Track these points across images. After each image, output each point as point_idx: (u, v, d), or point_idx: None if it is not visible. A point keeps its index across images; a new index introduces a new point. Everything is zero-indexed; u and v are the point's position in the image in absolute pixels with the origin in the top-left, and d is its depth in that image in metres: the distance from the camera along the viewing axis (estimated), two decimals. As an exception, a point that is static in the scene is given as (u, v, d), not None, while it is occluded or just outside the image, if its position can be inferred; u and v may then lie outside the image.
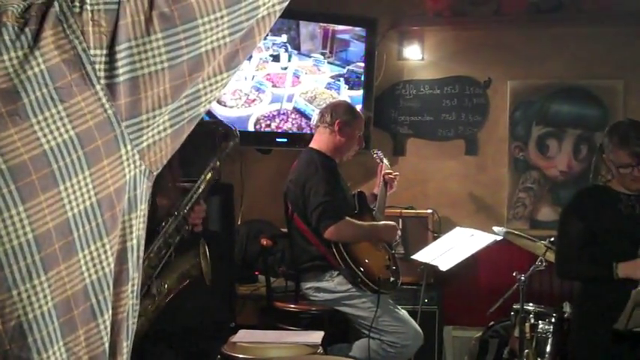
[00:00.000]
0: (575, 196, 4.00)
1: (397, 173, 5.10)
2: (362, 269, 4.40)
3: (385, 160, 5.12)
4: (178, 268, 3.38)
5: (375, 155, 5.17)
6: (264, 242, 4.87)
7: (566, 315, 4.45)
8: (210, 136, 4.30)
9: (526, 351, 4.46)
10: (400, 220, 5.54)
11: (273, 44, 5.62)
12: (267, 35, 5.55)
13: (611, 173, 3.81)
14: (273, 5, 1.05)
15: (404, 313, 4.61)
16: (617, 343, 3.57)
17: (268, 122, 5.64)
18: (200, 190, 3.38)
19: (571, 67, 6.02)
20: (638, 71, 5.87)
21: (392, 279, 4.56)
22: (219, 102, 5.45)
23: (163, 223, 3.25)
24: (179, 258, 3.38)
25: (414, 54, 6.24)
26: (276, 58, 5.63)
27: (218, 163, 3.47)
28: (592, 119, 6.01)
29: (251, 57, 5.52)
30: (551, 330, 4.53)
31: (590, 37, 5.92)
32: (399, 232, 4.93)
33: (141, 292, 3.21)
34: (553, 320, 4.54)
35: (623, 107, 5.93)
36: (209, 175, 3.43)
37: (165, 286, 3.35)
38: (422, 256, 5.23)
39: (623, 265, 3.61)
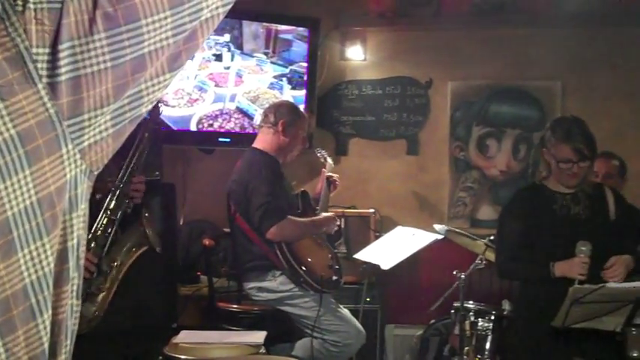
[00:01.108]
0: (513, 196, 4.06)
1: (337, 175, 5.11)
2: (304, 269, 4.41)
3: (329, 160, 5.13)
4: (126, 241, 3.38)
5: (318, 155, 5.18)
6: (207, 242, 4.85)
7: (505, 312, 4.51)
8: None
9: (466, 348, 4.52)
10: (342, 220, 5.58)
11: (216, 43, 5.59)
12: (210, 34, 5.55)
13: (549, 169, 3.85)
14: (217, 8, 1.05)
15: (346, 312, 4.63)
16: (555, 339, 3.63)
17: (211, 122, 5.61)
18: (134, 160, 3.36)
19: (510, 68, 6.12)
20: (576, 72, 5.99)
21: (334, 278, 4.57)
22: (161, 101, 5.40)
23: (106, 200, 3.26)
24: (125, 233, 3.39)
25: (356, 54, 6.27)
26: (218, 57, 5.61)
27: (146, 135, 3.42)
28: (531, 120, 6.12)
29: (194, 56, 5.49)
30: (490, 327, 4.59)
31: (529, 38, 6.02)
32: (338, 222, 4.93)
33: (94, 274, 3.21)
34: (492, 318, 4.60)
35: (561, 108, 6.05)
36: (141, 145, 3.40)
37: (116, 264, 3.35)
38: (364, 255, 5.26)
39: (559, 265, 3.68)
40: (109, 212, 3.30)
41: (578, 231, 3.73)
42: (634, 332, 4.33)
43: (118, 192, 3.30)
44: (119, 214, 3.31)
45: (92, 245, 3.27)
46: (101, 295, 3.33)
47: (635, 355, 4.39)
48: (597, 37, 5.91)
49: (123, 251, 3.39)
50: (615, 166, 5.20)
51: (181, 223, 5.69)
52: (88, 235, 3.24)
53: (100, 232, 3.28)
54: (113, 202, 3.30)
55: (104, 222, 3.30)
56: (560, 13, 5.82)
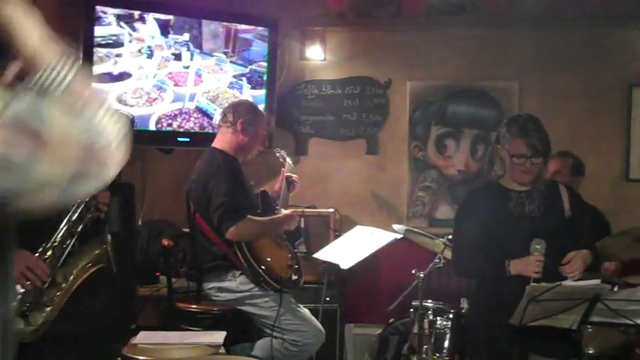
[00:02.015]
0: (468, 195, 4.09)
1: (296, 176, 5.11)
2: (264, 268, 4.41)
3: (288, 159, 5.13)
4: (84, 256, 3.34)
5: (277, 155, 5.18)
6: (166, 243, 4.83)
7: (463, 311, 4.55)
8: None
9: (425, 347, 4.55)
10: (302, 219, 5.58)
11: (175, 43, 5.57)
12: (169, 33, 5.53)
13: (504, 167, 3.88)
14: None
15: (306, 311, 4.64)
16: (512, 337, 3.66)
17: (170, 121, 5.59)
18: None
19: (468, 69, 6.17)
20: (533, 73, 6.06)
21: (294, 278, 4.58)
22: (119, 101, 5.37)
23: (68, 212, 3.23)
24: (84, 246, 3.34)
25: (316, 54, 6.28)
26: (178, 56, 5.59)
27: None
28: (488, 119, 6.17)
29: (153, 55, 5.48)
30: (449, 326, 4.63)
31: (487, 39, 6.08)
32: (298, 218, 4.93)
33: (46, 283, 3.17)
34: (451, 316, 4.64)
35: (519, 108, 6.11)
36: None
37: (72, 277, 3.32)
38: (323, 254, 5.27)
39: (514, 263, 3.71)
40: (70, 224, 3.27)
41: (533, 228, 3.76)
42: (590, 330, 4.41)
43: (82, 205, 3.27)
44: (80, 227, 3.27)
45: (48, 255, 3.24)
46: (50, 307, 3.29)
47: (591, 352, 4.47)
48: (554, 38, 5.99)
49: (80, 266, 3.34)
50: (567, 164, 5.26)
51: (140, 223, 5.65)
52: (46, 244, 3.22)
53: (57, 242, 3.25)
54: (76, 214, 3.27)
55: (64, 233, 3.27)
56: (518, 15, 5.89)
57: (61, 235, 3.26)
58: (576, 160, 5.31)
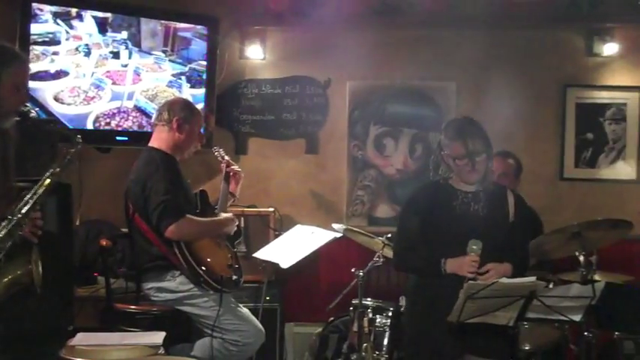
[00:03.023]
0: (413, 191, 4.10)
1: (238, 167, 5.08)
2: (204, 268, 4.39)
3: (227, 158, 5.11)
4: (8, 273, 3.24)
5: (216, 154, 5.16)
6: (104, 243, 4.77)
7: (402, 309, 4.58)
8: (47, 134, 4.19)
9: (364, 345, 4.59)
10: (242, 219, 5.58)
11: (114, 41, 5.51)
12: (108, 32, 5.47)
13: (451, 170, 3.93)
14: None
15: (246, 311, 4.63)
16: (450, 334, 3.71)
17: (108, 120, 5.53)
18: (37, 195, 3.27)
19: (407, 69, 6.22)
20: (469, 73, 6.14)
21: (234, 277, 4.56)
22: (56, 99, 5.30)
23: None
24: (9, 263, 3.25)
25: (255, 53, 6.28)
26: (116, 55, 5.53)
27: (58, 169, 3.37)
28: (426, 119, 6.24)
29: (90, 53, 5.41)
30: (388, 324, 4.68)
31: (425, 40, 6.14)
32: (238, 223, 4.92)
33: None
34: (390, 314, 4.69)
35: (456, 108, 6.19)
36: (47, 180, 3.32)
37: None
38: (263, 254, 5.27)
39: (450, 262, 3.76)
40: None
41: (474, 228, 3.82)
42: (526, 326, 4.49)
43: (13, 222, 3.20)
44: (8, 245, 3.19)
45: None
46: None
47: (527, 348, 4.55)
48: (490, 39, 6.05)
49: (3, 283, 3.25)
50: (511, 165, 5.35)
51: (77, 223, 5.58)
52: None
53: None
54: (4, 230, 3.19)
55: None
56: (454, 16, 5.96)
57: None
58: (517, 160, 5.40)
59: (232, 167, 4.98)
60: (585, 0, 6.08)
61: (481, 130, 3.87)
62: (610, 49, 6.18)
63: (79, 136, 3.50)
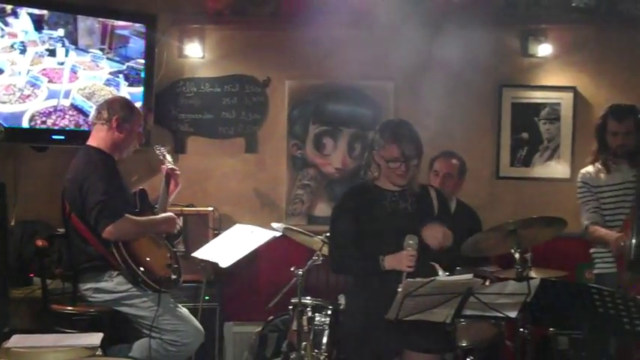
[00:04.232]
0: (344, 194, 4.16)
1: (177, 169, 5.06)
2: (142, 269, 4.36)
3: (168, 157, 5.08)
4: None
5: (157, 152, 5.13)
6: (40, 243, 4.71)
7: (341, 307, 4.61)
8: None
9: (304, 343, 4.60)
10: (181, 218, 5.54)
11: (50, 38, 5.44)
12: (44, 29, 5.39)
13: (380, 170, 3.98)
14: None
15: (184, 311, 4.61)
16: (387, 333, 3.75)
17: (44, 119, 5.45)
18: None
19: (346, 68, 6.23)
20: (407, 73, 6.16)
21: (173, 277, 4.54)
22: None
23: None
24: None
25: (194, 52, 6.26)
26: (52, 52, 5.46)
27: None
28: (365, 118, 6.29)
29: (26, 51, 5.33)
30: (327, 322, 4.70)
31: (364, 39, 6.17)
32: (180, 224, 4.90)
33: None
34: (329, 313, 4.71)
35: (394, 107, 6.25)
36: None
37: None
38: (202, 253, 5.26)
39: (389, 258, 3.81)
40: None
41: (406, 225, 3.87)
42: (463, 323, 4.56)
43: None
44: None
45: None
46: None
47: (464, 344, 4.62)
48: (427, 38, 6.06)
49: None
50: (455, 165, 5.41)
51: (13, 223, 5.50)
52: None
53: None
54: None
55: None
56: (392, 16, 5.99)
57: None
58: (462, 161, 5.47)
59: (173, 169, 4.96)
60: (521, 1, 6.19)
61: (415, 133, 3.94)
62: (544, 49, 6.30)
63: (1, 124, 3.44)
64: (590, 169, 4.96)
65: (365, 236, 3.90)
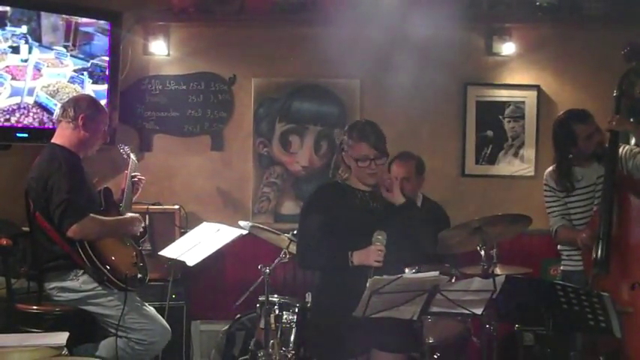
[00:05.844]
0: (314, 191, 4.18)
1: (142, 177, 5.02)
2: (108, 267, 4.34)
3: (132, 156, 5.05)
4: None
5: (121, 151, 5.10)
6: (4, 242, 4.65)
7: (309, 305, 4.62)
8: None
9: (271, 341, 4.61)
10: (147, 216, 5.52)
11: (13, 35, 5.38)
12: (7, 26, 5.33)
13: (349, 171, 4.01)
14: None
15: (151, 309, 4.59)
16: (354, 332, 3.76)
17: (7, 117, 5.40)
18: None
19: (312, 66, 6.26)
20: (373, 71, 6.19)
21: (139, 276, 4.53)
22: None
23: None
24: None
25: (159, 49, 6.23)
26: (15, 49, 5.40)
27: None
28: (331, 116, 6.30)
29: (-14, 48, 5.28)
30: (295, 320, 4.71)
31: (330, 37, 6.16)
32: (144, 224, 4.87)
33: None
34: (297, 310, 4.72)
35: (360, 105, 6.27)
36: None
37: None
38: (169, 252, 5.25)
39: (357, 253, 3.84)
40: None
41: (376, 222, 3.90)
42: (430, 320, 4.59)
43: None
44: None
45: None
46: None
47: (431, 341, 4.65)
48: (392, 37, 6.10)
49: None
50: (411, 166, 5.43)
51: (-25, 222, 5.44)
52: None
53: None
54: None
55: None
56: (358, 14, 6.01)
57: None
58: (417, 159, 5.48)
59: (136, 176, 4.93)
60: (485, 0, 6.23)
61: (381, 133, 3.99)
62: (508, 48, 6.35)
63: None
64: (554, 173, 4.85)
65: (335, 233, 3.92)
